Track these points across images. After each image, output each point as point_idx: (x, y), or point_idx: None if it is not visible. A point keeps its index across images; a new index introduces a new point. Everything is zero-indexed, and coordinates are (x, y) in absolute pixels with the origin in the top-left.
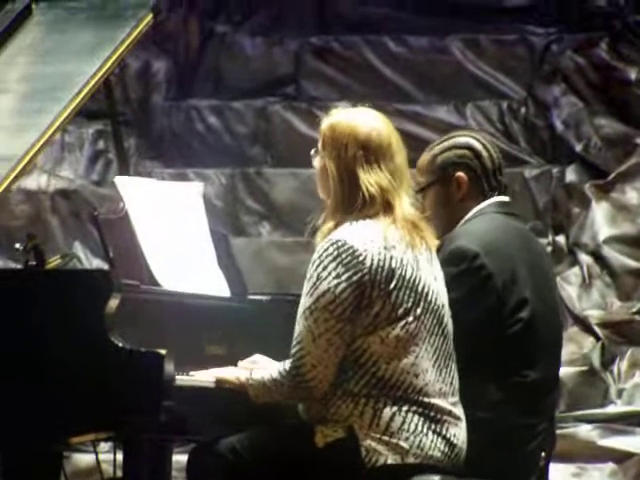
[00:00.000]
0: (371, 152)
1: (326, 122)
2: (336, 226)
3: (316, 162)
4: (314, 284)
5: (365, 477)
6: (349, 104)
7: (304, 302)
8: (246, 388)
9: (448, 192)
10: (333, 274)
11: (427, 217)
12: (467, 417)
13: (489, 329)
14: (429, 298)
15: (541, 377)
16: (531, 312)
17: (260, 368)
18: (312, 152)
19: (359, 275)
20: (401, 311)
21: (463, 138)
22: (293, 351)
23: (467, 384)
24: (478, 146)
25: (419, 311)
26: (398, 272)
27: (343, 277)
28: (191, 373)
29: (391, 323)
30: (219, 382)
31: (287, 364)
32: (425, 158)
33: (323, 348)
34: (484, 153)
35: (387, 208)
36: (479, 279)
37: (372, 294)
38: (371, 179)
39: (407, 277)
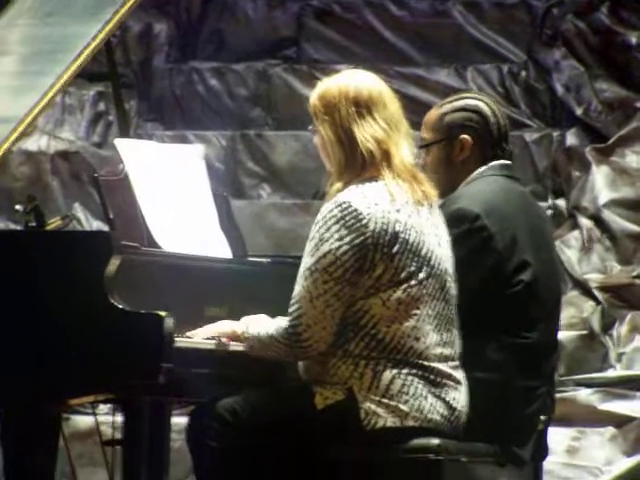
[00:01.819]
0: (362, 105)
1: (313, 95)
2: (343, 187)
3: (315, 138)
4: (316, 245)
5: (364, 439)
6: (350, 67)
7: (305, 262)
8: (241, 340)
9: (451, 153)
10: (336, 236)
11: (428, 175)
12: (467, 377)
13: (490, 289)
14: (432, 262)
15: (541, 339)
16: (531, 274)
17: (258, 323)
18: (309, 129)
19: (362, 238)
20: (404, 274)
21: (474, 101)
22: (291, 310)
23: (468, 344)
24: (487, 111)
25: (422, 275)
26: (402, 236)
27: (345, 239)
28: (187, 333)
29: (393, 286)
30: (215, 334)
31: (284, 322)
32: (433, 115)
33: (320, 309)
34: (492, 119)
35: (386, 159)
36: (480, 240)
37: (375, 257)
38: (366, 134)
39: (410, 241)
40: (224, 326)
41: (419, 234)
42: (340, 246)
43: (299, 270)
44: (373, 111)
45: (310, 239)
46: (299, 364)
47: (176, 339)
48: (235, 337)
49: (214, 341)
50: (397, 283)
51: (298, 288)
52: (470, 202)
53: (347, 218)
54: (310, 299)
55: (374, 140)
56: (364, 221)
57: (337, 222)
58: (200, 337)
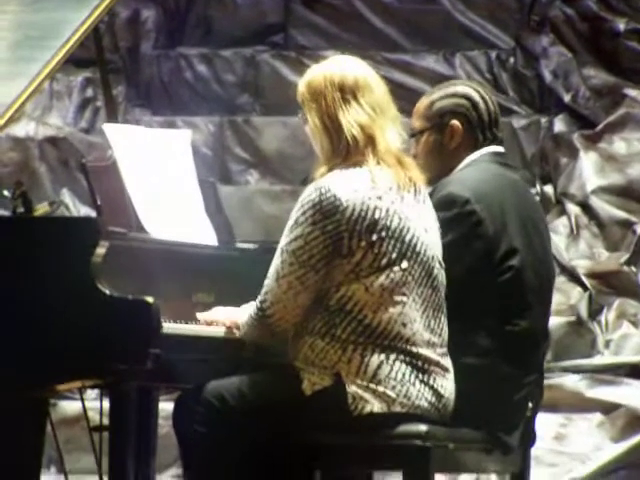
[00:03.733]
0: (347, 90)
1: (300, 84)
2: (327, 172)
3: (306, 128)
4: (291, 227)
5: (351, 424)
6: (337, 53)
7: (280, 241)
8: (238, 327)
9: (442, 140)
10: (310, 220)
11: (419, 163)
12: (455, 364)
13: (479, 275)
14: (417, 249)
15: (530, 327)
16: (521, 261)
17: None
18: (299, 117)
19: (335, 225)
20: (385, 261)
21: (463, 87)
22: (263, 285)
23: (457, 330)
24: (476, 97)
25: (405, 261)
26: (382, 222)
27: (318, 225)
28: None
29: (374, 272)
30: (212, 323)
31: (257, 299)
32: (423, 103)
33: (283, 289)
34: (481, 105)
35: (371, 144)
36: (469, 225)
37: (351, 244)
38: (351, 119)
39: (393, 227)
40: (221, 316)
41: (403, 220)
42: (312, 231)
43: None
44: (358, 96)
45: (289, 219)
46: (289, 347)
47: (164, 325)
48: (229, 327)
49: (204, 326)
50: (378, 269)
51: (272, 266)
52: (460, 187)
53: (324, 203)
54: (277, 278)
55: (358, 125)
56: (341, 208)
57: (313, 206)
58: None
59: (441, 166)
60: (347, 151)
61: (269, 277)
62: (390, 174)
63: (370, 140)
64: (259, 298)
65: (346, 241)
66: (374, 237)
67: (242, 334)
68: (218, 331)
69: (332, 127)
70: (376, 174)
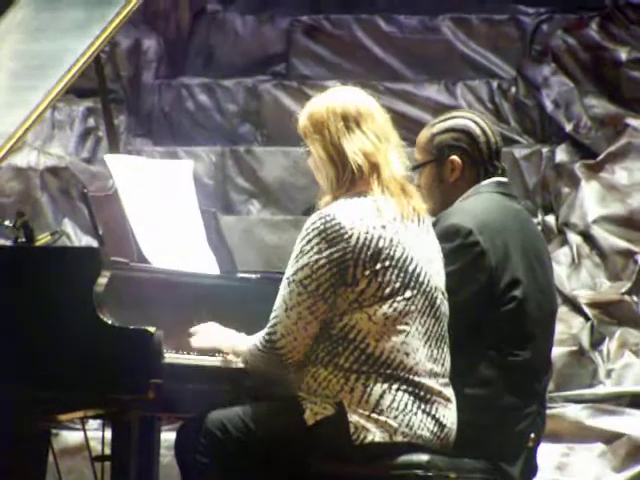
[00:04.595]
0: (351, 119)
1: (301, 117)
2: (332, 202)
3: (309, 161)
4: (296, 256)
5: (353, 454)
6: (339, 83)
7: (286, 272)
8: (238, 354)
9: (443, 173)
10: (315, 249)
11: (422, 194)
12: (457, 394)
13: (481, 305)
14: (421, 279)
15: (532, 358)
16: (523, 292)
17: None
18: (302, 151)
19: (341, 253)
20: (388, 290)
21: (462, 120)
22: (270, 317)
23: (458, 360)
24: (476, 131)
25: (409, 291)
26: (386, 252)
27: (324, 253)
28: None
29: (378, 301)
30: (214, 350)
31: (264, 330)
32: (424, 135)
33: (293, 320)
34: (481, 139)
35: (376, 172)
36: (472, 255)
37: (356, 272)
38: (355, 147)
39: (396, 257)
40: (225, 342)
41: (406, 250)
42: (318, 259)
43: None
44: (362, 124)
45: (294, 250)
46: (291, 377)
47: (165, 355)
48: (233, 353)
49: (205, 356)
50: (382, 299)
51: (278, 297)
52: (463, 218)
53: (329, 231)
54: (285, 309)
55: (362, 154)
56: (345, 236)
57: (318, 234)
58: (196, 345)
59: (443, 198)
60: (352, 180)
61: (277, 309)
62: (394, 203)
63: (374, 168)
64: (267, 330)
65: (351, 269)
66: (378, 266)
67: (248, 366)
68: (220, 361)
69: (337, 156)
70: (380, 203)
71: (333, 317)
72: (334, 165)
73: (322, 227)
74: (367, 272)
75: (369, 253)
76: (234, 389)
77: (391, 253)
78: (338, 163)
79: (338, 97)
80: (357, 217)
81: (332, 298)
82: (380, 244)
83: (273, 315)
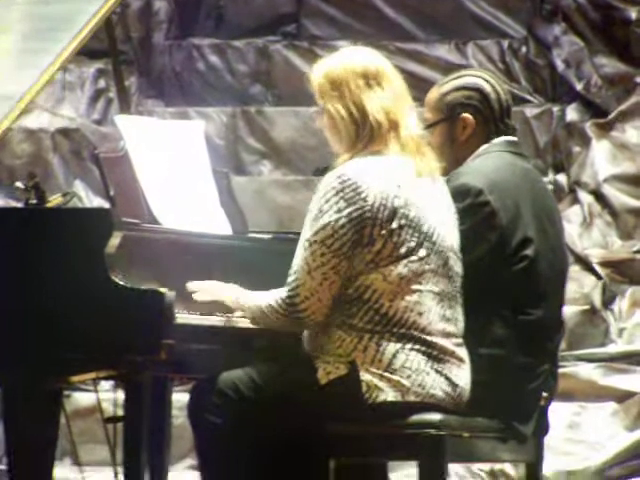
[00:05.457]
0: (371, 77)
1: (316, 75)
2: (349, 160)
3: (319, 121)
4: (315, 216)
5: (365, 413)
6: (350, 43)
7: (304, 233)
8: (244, 310)
9: (454, 132)
10: (335, 208)
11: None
12: (470, 353)
13: (493, 265)
14: (434, 239)
15: (545, 316)
16: (535, 251)
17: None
18: (313, 111)
19: (360, 212)
20: (403, 250)
21: (473, 79)
22: (289, 280)
23: (471, 319)
24: (487, 88)
25: (422, 251)
26: (401, 211)
27: (344, 212)
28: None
29: (393, 261)
30: (217, 302)
31: (283, 292)
32: (434, 94)
33: (318, 281)
34: (492, 96)
35: (394, 129)
36: (483, 215)
37: (373, 232)
38: (376, 105)
39: (411, 217)
40: (227, 294)
41: (420, 210)
42: (339, 219)
43: (299, 241)
44: (382, 82)
45: (310, 210)
46: (304, 335)
47: (177, 315)
48: (238, 307)
49: (216, 316)
50: (397, 258)
51: (297, 259)
52: (473, 177)
53: (346, 190)
54: (308, 271)
55: (383, 111)
56: (363, 195)
57: (336, 194)
58: (199, 298)
59: (454, 157)
60: (370, 137)
61: (298, 271)
62: (410, 162)
63: (393, 126)
64: (287, 294)
65: (369, 229)
66: (394, 225)
67: (259, 324)
68: (232, 321)
69: (357, 113)
70: (397, 162)
71: (349, 277)
72: (354, 122)
73: (339, 187)
74: (383, 232)
75: (385, 213)
76: (246, 349)
77: (406, 212)
78: (359, 120)
79: (355, 56)
80: (373, 176)
81: (353, 257)
82: (396, 203)
83: (293, 278)
